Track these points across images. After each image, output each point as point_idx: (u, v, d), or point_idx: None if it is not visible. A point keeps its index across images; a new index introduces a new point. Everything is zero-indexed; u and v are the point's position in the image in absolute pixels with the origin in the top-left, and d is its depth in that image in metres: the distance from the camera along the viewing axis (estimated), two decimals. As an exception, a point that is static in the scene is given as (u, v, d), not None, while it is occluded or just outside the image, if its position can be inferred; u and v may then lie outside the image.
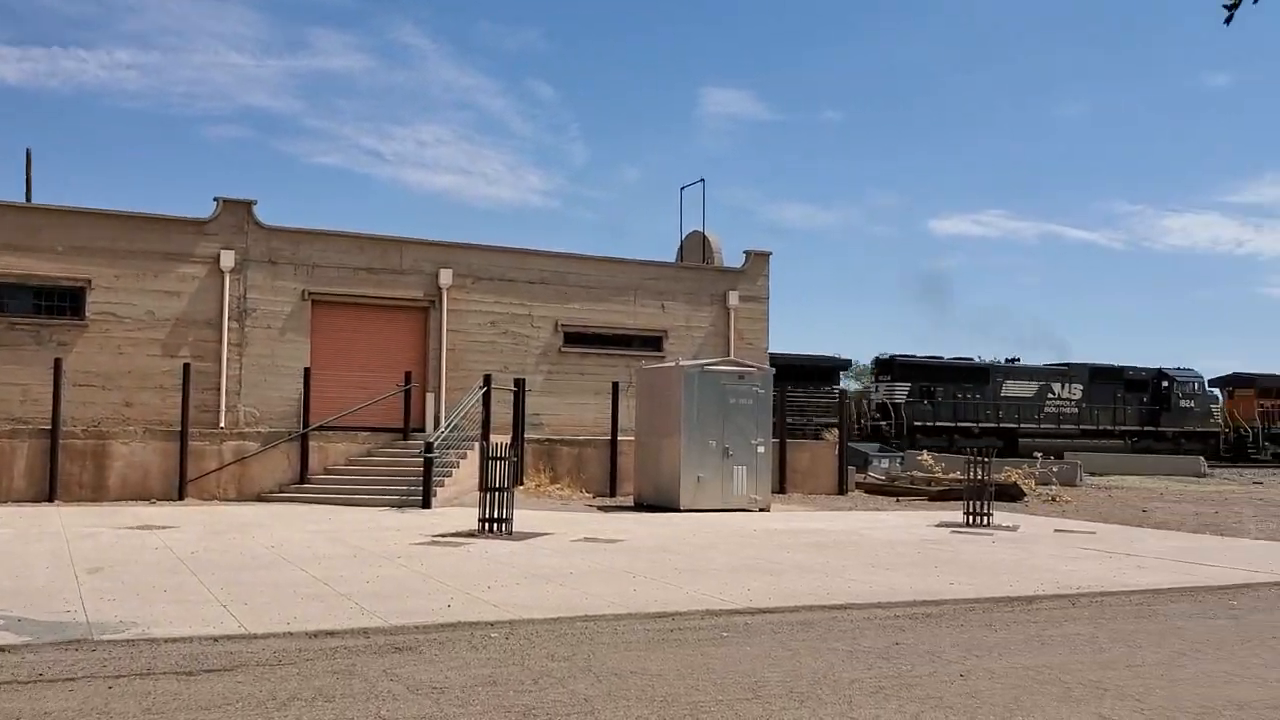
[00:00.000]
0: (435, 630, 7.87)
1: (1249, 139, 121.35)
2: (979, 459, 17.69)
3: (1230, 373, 50.99)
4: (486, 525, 14.23)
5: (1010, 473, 26.04)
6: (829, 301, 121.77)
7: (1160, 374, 47.76)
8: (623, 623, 8.36)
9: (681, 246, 28.72)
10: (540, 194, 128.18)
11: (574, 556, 12.27)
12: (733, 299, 26.69)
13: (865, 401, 43.44)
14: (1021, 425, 43.86)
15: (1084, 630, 8.54)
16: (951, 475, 25.05)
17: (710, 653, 7.32)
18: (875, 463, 32.03)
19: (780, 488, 23.17)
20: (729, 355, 24.89)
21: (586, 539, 14.06)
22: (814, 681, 6.53)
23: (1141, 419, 47.12)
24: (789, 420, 26.22)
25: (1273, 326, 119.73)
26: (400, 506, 18.38)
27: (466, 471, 19.56)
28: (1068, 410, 45.33)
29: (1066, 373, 46.16)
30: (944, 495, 23.32)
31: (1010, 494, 23.28)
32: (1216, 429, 48.39)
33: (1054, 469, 29.96)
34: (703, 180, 28.49)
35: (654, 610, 8.81)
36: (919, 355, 44.05)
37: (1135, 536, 16.41)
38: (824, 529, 16.44)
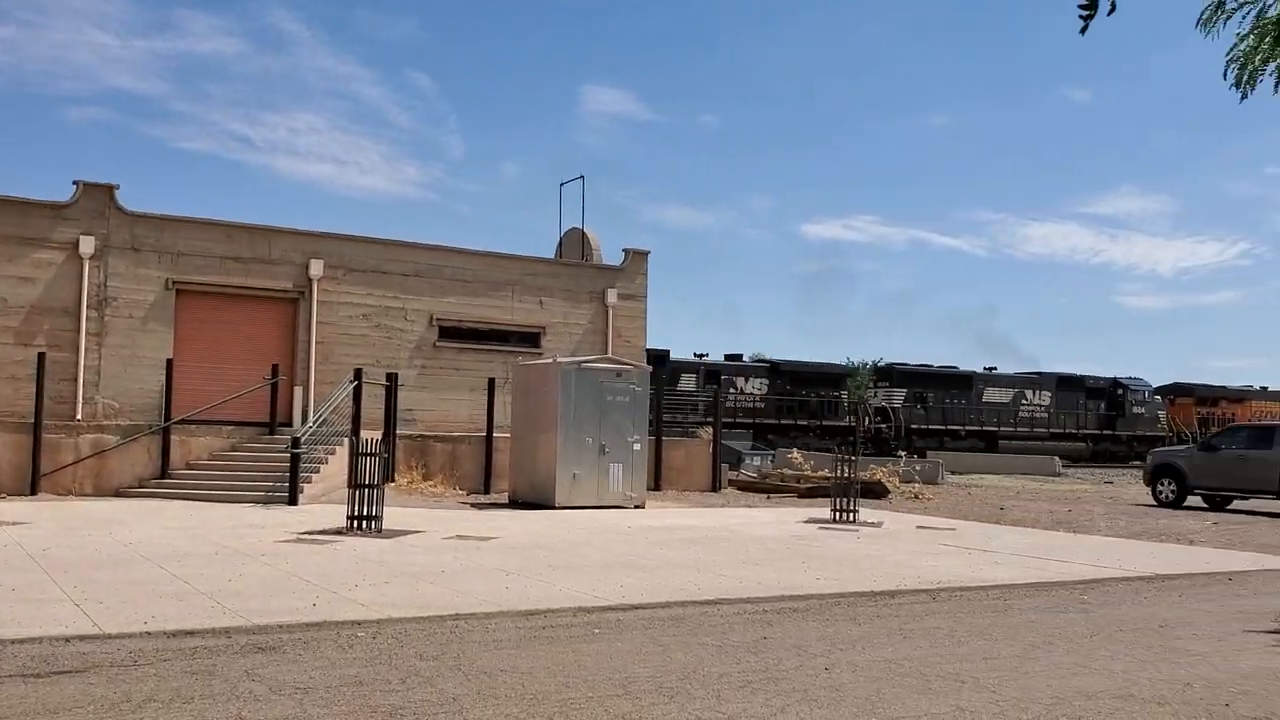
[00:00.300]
0: (300, 630, 7.70)
1: (1106, 153, 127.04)
2: (845, 457, 18.14)
3: (1172, 382, 56.40)
4: (355, 523, 13.97)
5: (875, 470, 26.73)
6: (711, 300, 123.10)
7: (1115, 383, 52.64)
8: (494, 621, 8.32)
9: (560, 243, 28.66)
10: (416, 186, 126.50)
11: (445, 554, 12.15)
12: (611, 297, 26.75)
13: (867, 405, 47.42)
14: (1000, 428, 48.14)
15: (943, 624, 8.82)
16: (820, 473, 25.57)
17: (582, 649, 7.34)
18: (747, 460, 32.50)
19: (655, 485, 23.33)
20: (607, 353, 24.93)
21: (459, 536, 13.94)
22: (684, 677, 6.60)
23: (1100, 424, 51.94)
24: (666, 418, 26.52)
25: (1125, 332, 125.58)
26: (266, 503, 17.92)
27: (335, 468, 19.18)
28: (1039, 415, 49.90)
29: (1037, 381, 50.77)
30: (812, 492, 23.81)
31: (875, 491, 23.91)
32: (1163, 433, 53.13)
33: (917, 467, 30.88)
34: (582, 177, 28.57)
35: (526, 608, 8.78)
36: (909, 363, 48.24)
37: (993, 533, 17.02)
38: (697, 525, 16.61)
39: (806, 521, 17.69)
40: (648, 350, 41.33)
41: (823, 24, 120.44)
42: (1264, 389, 58.24)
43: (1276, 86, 8.86)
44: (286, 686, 6.08)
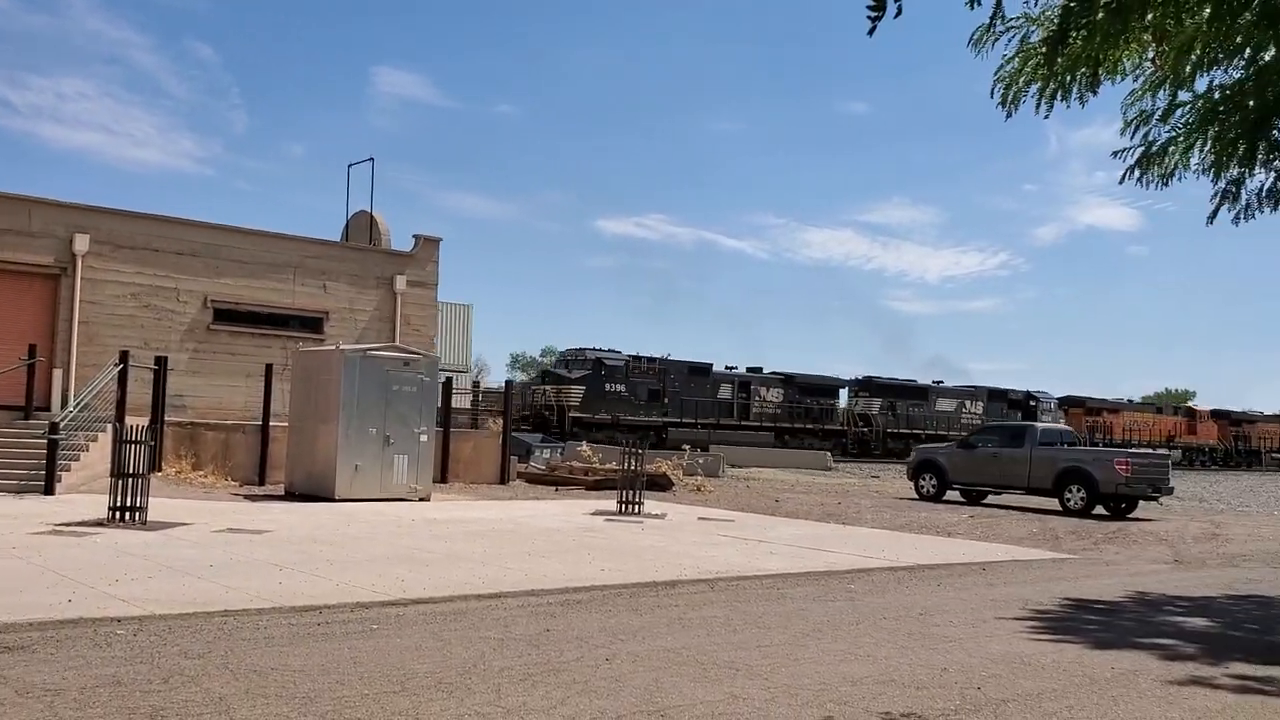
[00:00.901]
0: (53, 627, 7.21)
1: (880, 164, 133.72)
2: (633, 450, 18.39)
3: (1067, 395, 65.25)
4: (118, 514, 13.21)
5: (660, 464, 27.22)
6: (516, 291, 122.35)
7: (1029, 395, 61.26)
8: (265, 617, 8.02)
9: (347, 226, 27.88)
10: (194, 160, 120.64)
11: (214, 548, 11.62)
12: (400, 284, 26.19)
13: (852, 413, 54.14)
14: (949, 433, 53.84)
15: (720, 613, 9.06)
16: (608, 466, 25.85)
17: (358, 646, 7.16)
18: (537, 453, 32.50)
19: (442, 477, 23.03)
20: (395, 341, 24.43)
21: (230, 529, 13.36)
22: (464, 671, 6.54)
23: None
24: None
25: (896, 335, 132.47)
26: (19, 492, 16.72)
27: (97, 455, 18.07)
28: (975, 422, 56.23)
29: (973, 393, 59.55)
30: (600, 485, 24.04)
31: (660, 484, 24.37)
32: None
33: (699, 460, 31.64)
34: (372, 159, 27.93)
35: (300, 603, 8.50)
36: (883, 377, 55.52)
37: (768, 525, 17.63)
38: (483, 518, 16.51)
39: (593, 513, 17.84)
40: (694, 362, 46.68)
41: (617, 22, 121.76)
42: (1130, 401, 67.86)
43: (1038, 107, 9.52)
44: (36, 688, 5.68)
